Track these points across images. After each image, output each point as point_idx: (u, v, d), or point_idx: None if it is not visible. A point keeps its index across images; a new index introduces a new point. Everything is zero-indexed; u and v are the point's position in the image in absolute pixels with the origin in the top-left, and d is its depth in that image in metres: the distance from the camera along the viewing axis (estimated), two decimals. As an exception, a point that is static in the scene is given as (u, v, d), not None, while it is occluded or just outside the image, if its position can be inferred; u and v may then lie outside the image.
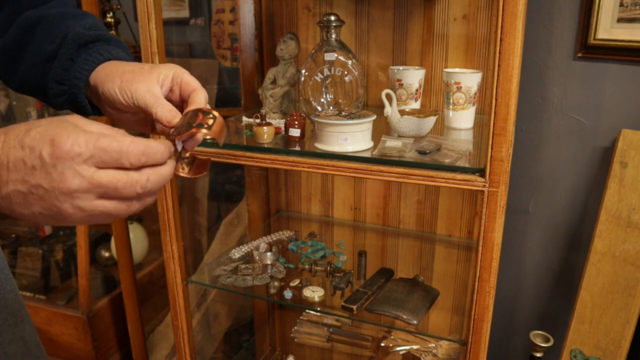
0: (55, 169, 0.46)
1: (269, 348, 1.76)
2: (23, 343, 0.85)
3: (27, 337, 0.87)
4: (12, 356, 0.81)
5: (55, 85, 0.65)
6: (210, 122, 0.57)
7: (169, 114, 0.61)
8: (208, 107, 0.61)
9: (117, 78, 0.63)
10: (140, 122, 0.68)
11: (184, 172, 0.61)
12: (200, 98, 0.62)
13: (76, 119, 0.51)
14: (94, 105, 0.68)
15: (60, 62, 0.63)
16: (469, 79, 1.09)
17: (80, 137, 0.47)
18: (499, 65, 0.79)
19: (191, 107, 0.61)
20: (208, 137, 0.57)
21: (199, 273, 1.53)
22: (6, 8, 0.67)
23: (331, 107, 1.13)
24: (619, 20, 1.19)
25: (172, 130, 0.60)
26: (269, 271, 1.26)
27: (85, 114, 0.67)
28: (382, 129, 1.07)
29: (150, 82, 0.63)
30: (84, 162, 0.47)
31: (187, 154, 0.61)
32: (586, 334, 1.25)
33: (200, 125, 0.57)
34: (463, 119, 1.12)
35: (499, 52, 0.78)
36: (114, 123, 0.67)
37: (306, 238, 1.49)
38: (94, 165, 0.48)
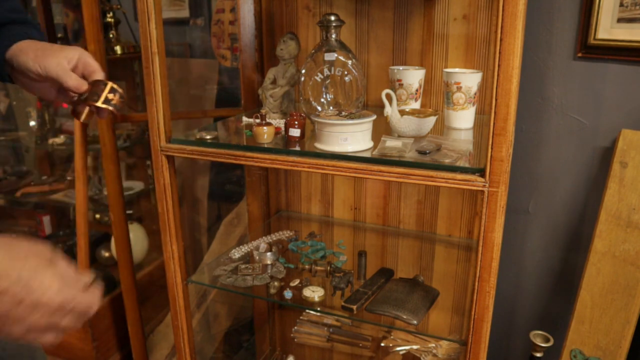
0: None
1: (269, 348, 1.76)
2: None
3: None
4: (5, 351, 0.85)
5: None
6: (111, 96, 0.82)
7: (77, 82, 0.79)
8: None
9: (31, 53, 0.77)
10: (48, 91, 0.83)
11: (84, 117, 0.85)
12: (98, 78, 0.81)
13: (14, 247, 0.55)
14: (8, 77, 0.82)
15: None
16: (469, 79, 1.09)
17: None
18: (499, 65, 0.79)
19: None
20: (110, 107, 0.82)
21: (199, 273, 1.53)
22: None
23: (331, 107, 1.13)
24: (619, 20, 1.19)
25: (80, 96, 0.81)
26: (269, 271, 1.26)
27: (2, 81, 0.83)
28: (382, 129, 1.07)
29: (60, 58, 0.78)
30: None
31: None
32: (586, 334, 1.25)
33: (107, 101, 0.82)
34: (463, 119, 1.12)
35: (499, 52, 0.78)
36: (27, 90, 0.83)
37: (306, 238, 1.49)
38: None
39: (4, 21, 0.79)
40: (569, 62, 1.28)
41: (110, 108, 0.83)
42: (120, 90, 0.84)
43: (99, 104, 0.82)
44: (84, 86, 0.81)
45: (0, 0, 0.81)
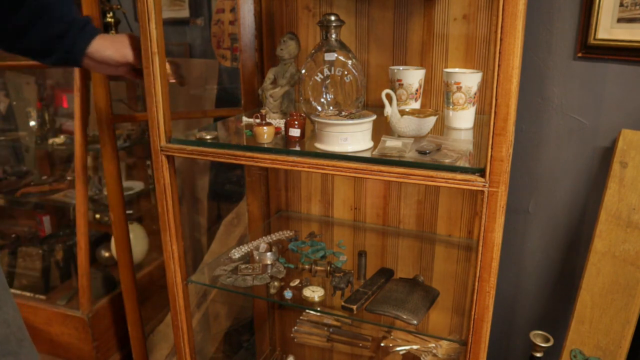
0: None
1: (269, 348, 1.76)
2: (6, 326, 0.95)
3: (10, 320, 0.97)
4: None
5: (65, 55, 1.01)
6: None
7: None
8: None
9: (111, 47, 1.04)
10: (120, 70, 1.09)
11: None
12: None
13: None
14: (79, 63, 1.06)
15: (69, 41, 1.00)
16: (469, 79, 1.09)
17: None
18: (499, 65, 0.79)
19: None
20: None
21: (199, 273, 1.53)
22: None
23: (331, 107, 1.13)
24: (619, 20, 1.19)
25: None
26: (269, 271, 1.26)
27: (75, 66, 1.08)
28: (382, 129, 1.07)
29: (129, 47, 1.05)
30: None
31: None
32: (586, 334, 1.25)
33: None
34: (463, 119, 1.12)
35: (499, 52, 0.78)
36: (95, 71, 1.22)
37: (306, 238, 1.49)
38: None
39: (80, 25, 1.01)
40: (569, 62, 1.28)
41: (171, 80, 1.12)
42: (175, 63, 1.14)
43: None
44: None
45: (66, 4, 1.01)
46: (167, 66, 1.10)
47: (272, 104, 1.21)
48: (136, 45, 1.05)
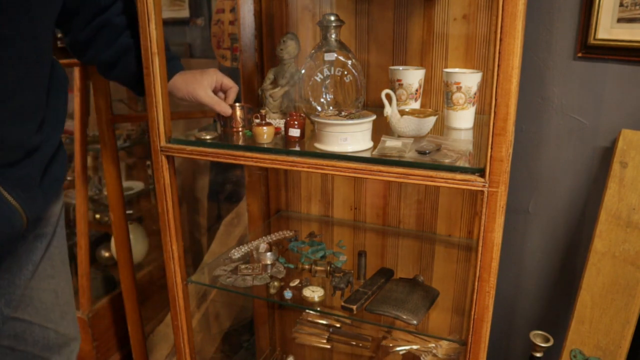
0: None
1: (269, 348, 1.76)
2: (55, 295, 1.04)
3: (60, 291, 1.05)
4: (43, 302, 1.01)
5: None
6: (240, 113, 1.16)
7: (226, 109, 1.12)
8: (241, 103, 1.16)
9: (183, 89, 1.10)
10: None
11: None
12: (233, 94, 1.15)
13: None
14: None
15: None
16: (469, 79, 1.09)
17: None
18: (498, 65, 0.79)
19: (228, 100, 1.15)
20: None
21: (199, 273, 1.53)
22: (81, 13, 1.01)
23: (331, 107, 1.13)
24: (619, 20, 1.19)
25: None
26: (269, 271, 1.26)
27: None
28: (382, 129, 1.07)
29: (205, 87, 1.10)
30: None
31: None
32: (586, 334, 1.25)
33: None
34: (463, 119, 1.12)
35: (499, 52, 0.78)
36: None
37: (306, 238, 1.49)
38: None
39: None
40: (569, 62, 1.28)
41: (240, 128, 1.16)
42: (246, 107, 1.15)
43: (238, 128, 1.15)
44: (229, 110, 1.12)
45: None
46: (238, 111, 1.14)
47: (272, 104, 1.21)
48: (212, 82, 1.11)
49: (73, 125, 1.76)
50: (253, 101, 1.44)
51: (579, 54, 1.26)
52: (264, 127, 1.04)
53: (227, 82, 1.14)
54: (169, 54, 1.08)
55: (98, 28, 1.03)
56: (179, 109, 2.04)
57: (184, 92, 1.09)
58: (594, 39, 1.22)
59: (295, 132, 1.05)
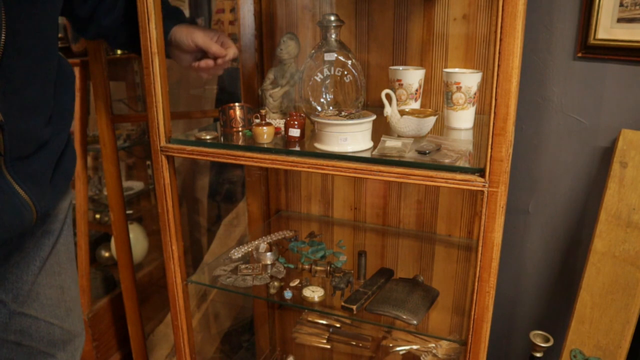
0: None
1: (269, 348, 1.76)
2: (60, 291, 1.05)
3: (66, 288, 1.07)
4: (49, 298, 1.02)
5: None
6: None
7: (219, 49, 1.09)
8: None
9: (184, 31, 1.09)
10: (193, 59, 1.14)
11: None
12: (231, 52, 1.12)
13: None
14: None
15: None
16: (469, 79, 1.09)
17: None
18: (498, 65, 0.79)
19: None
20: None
21: (199, 273, 1.54)
22: None
23: (331, 107, 1.13)
24: (619, 20, 1.19)
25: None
26: (269, 271, 1.26)
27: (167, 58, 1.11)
28: (382, 129, 1.07)
29: (205, 34, 1.09)
30: None
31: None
32: (586, 334, 1.25)
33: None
34: (463, 119, 1.12)
35: (499, 52, 0.78)
36: (177, 61, 1.16)
37: (306, 238, 1.49)
38: None
39: (168, 14, 1.07)
40: (569, 62, 1.28)
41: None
42: (246, 107, 1.16)
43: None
44: (223, 52, 1.10)
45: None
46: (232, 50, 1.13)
47: (272, 104, 1.21)
48: (215, 34, 1.12)
49: (73, 125, 1.76)
50: (253, 101, 1.44)
51: (579, 54, 1.26)
52: (264, 127, 1.04)
53: (227, 40, 1.13)
54: (173, 8, 1.12)
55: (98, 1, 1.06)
56: (179, 109, 2.04)
57: (184, 33, 1.08)
58: (594, 39, 1.22)
59: (295, 132, 1.05)
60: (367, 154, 0.96)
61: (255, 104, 1.43)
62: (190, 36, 1.08)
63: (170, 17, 1.10)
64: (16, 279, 0.96)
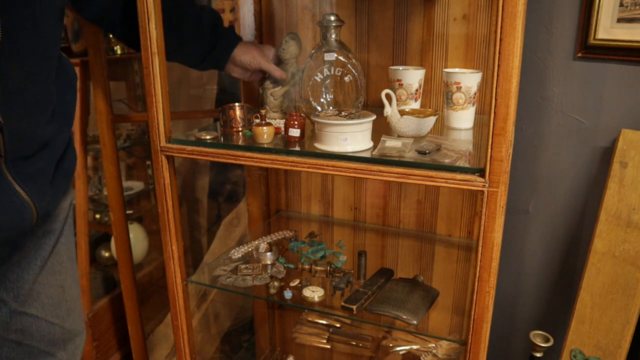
0: None
1: (269, 348, 1.76)
2: (61, 291, 1.06)
3: (67, 287, 1.07)
4: (50, 298, 1.03)
5: (215, 62, 1.21)
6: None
7: (282, 74, 1.20)
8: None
9: (249, 54, 1.19)
10: (249, 76, 1.26)
11: None
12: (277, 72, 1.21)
13: None
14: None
15: (219, 52, 1.19)
16: (469, 79, 1.09)
17: None
18: (498, 65, 0.79)
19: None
20: None
21: (199, 273, 1.54)
22: None
23: (331, 107, 1.13)
24: (619, 20, 1.19)
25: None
26: (269, 271, 1.26)
27: (218, 69, 1.26)
28: (382, 129, 1.07)
29: (265, 56, 1.21)
30: None
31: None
32: (586, 334, 1.25)
33: None
34: (463, 119, 1.12)
35: (499, 52, 0.78)
36: (232, 74, 1.26)
37: (306, 238, 1.49)
38: None
39: (221, 35, 1.18)
40: (569, 62, 1.28)
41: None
42: (246, 107, 1.18)
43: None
44: (284, 76, 1.20)
45: (215, 21, 1.19)
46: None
47: (272, 103, 1.21)
48: (270, 54, 1.22)
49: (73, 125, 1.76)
50: (253, 101, 1.44)
51: (579, 54, 1.26)
52: (264, 127, 1.04)
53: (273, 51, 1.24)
54: (226, 29, 1.20)
55: None
56: (179, 109, 2.04)
57: (249, 57, 1.19)
58: (594, 39, 1.22)
59: (295, 132, 1.05)
60: (367, 154, 0.96)
61: (255, 104, 1.43)
62: (254, 60, 1.19)
63: (229, 37, 1.19)
64: (17, 278, 0.96)
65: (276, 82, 1.21)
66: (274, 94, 1.21)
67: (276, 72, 1.19)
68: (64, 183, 1.00)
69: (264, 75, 1.24)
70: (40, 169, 0.89)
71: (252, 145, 1.05)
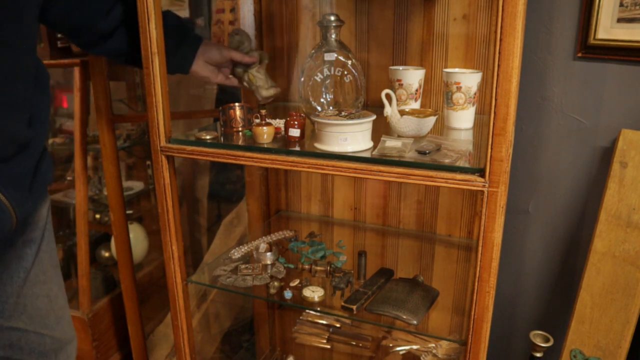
0: None
1: (269, 348, 1.76)
2: (48, 300, 1.03)
3: (53, 296, 1.04)
4: (37, 309, 1.00)
5: (179, 63, 1.16)
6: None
7: (251, 58, 1.21)
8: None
9: (214, 50, 1.18)
10: (212, 72, 1.21)
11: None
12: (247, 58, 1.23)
13: None
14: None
15: (185, 52, 1.15)
16: (469, 79, 1.09)
17: None
18: (498, 65, 0.79)
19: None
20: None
21: (199, 273, 1.54)
22: None
23: (331, 107, 1.13)
24: (619, 20, 1.19)
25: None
26: (269, 271, 1.26)
27: (182, 73, 1.19)
28: (382, 129, 1.07)
29: (229, 48, 1.20)
30: None
31: None
32: (586, 334, 1.25)
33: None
34: (463, 119, 1.12)
35: (499, 52, 0.78)
36: (197, 75, 1.20)
37: (306, 238, 1.49)
38: None
39: (183, 36, 1.15)
40: (569, 62, 1.28)
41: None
42: (246, 107, 1.19)
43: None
44: (253, 59, 1.22)
45: (180, 24, 1.15)
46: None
47: (261, 80, 1.23)
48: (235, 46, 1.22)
49: (73, 125, 1.76)
50: (253, 101, 1.44)
51: (579, 54, 1.26)
52: (264, 127, 1.04)
53: (235, 55, 1.21)
54: (190, 28, 1.16)
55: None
56: (179, 109, 2.04)
57: (216, 52, 1.18)
58: (594, 39, 1.22)
59: (295, 132, 1.05)
60: (367, 154, 0.96)
61: (256, 104, 1.43)
62: (222, 53, 1.18)
63: (193, 37, 1.16)
64: (0, 293, 0.93)
65: (248, 67, 1.23)
66: (259, 71, 1.23)
67: (245, 58, 1.21)
68: (42, 189, 0.96)
69: (231, 72, 1.25)
70: (19, 172, 0.86)
71: (252, 145, 1.05)
